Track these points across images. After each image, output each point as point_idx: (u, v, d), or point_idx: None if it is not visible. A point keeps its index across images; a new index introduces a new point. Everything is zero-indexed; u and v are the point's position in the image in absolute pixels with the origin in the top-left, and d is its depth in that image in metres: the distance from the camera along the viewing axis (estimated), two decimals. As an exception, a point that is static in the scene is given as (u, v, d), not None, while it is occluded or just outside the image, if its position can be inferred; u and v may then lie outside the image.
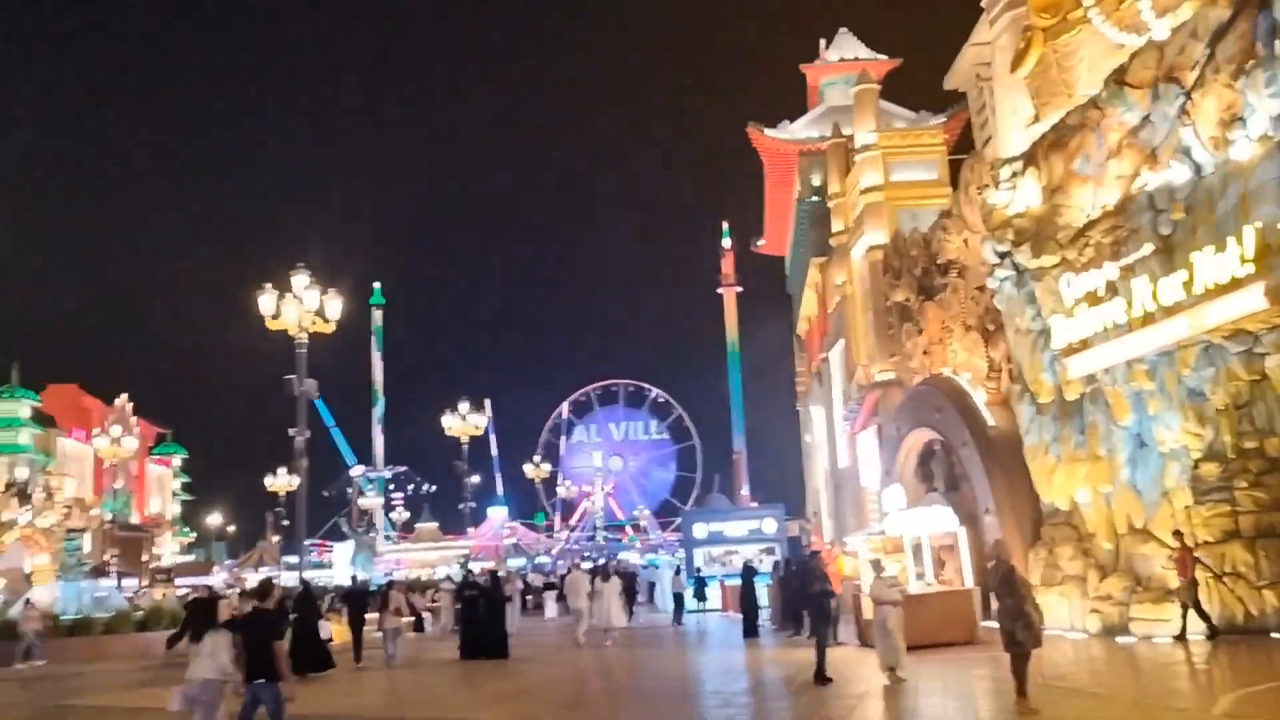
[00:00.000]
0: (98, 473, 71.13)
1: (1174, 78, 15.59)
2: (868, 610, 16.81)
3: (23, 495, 59.99)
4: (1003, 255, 19.52)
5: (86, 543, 56.47)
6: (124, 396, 73.36)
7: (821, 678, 13.58)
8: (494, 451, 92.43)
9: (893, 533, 19.37)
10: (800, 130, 44.70)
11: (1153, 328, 15.63)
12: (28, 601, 26.59)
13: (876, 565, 14.44)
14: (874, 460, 28.62)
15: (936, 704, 12.17)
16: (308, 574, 57.62)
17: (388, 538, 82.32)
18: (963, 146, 32.43)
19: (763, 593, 25.65)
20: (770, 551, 32.62)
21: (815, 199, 39.16)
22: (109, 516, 68.82)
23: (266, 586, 10.14)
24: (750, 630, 22.94)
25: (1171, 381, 15.89)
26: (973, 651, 16.23)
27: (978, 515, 20.33)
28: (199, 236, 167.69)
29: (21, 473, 60.83)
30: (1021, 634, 10.40)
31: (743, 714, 12.78)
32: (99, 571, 49.02)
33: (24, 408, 63.19)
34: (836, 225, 34.23)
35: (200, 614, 19.32)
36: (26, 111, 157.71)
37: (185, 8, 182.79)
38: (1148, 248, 15.89)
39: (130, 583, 56.48)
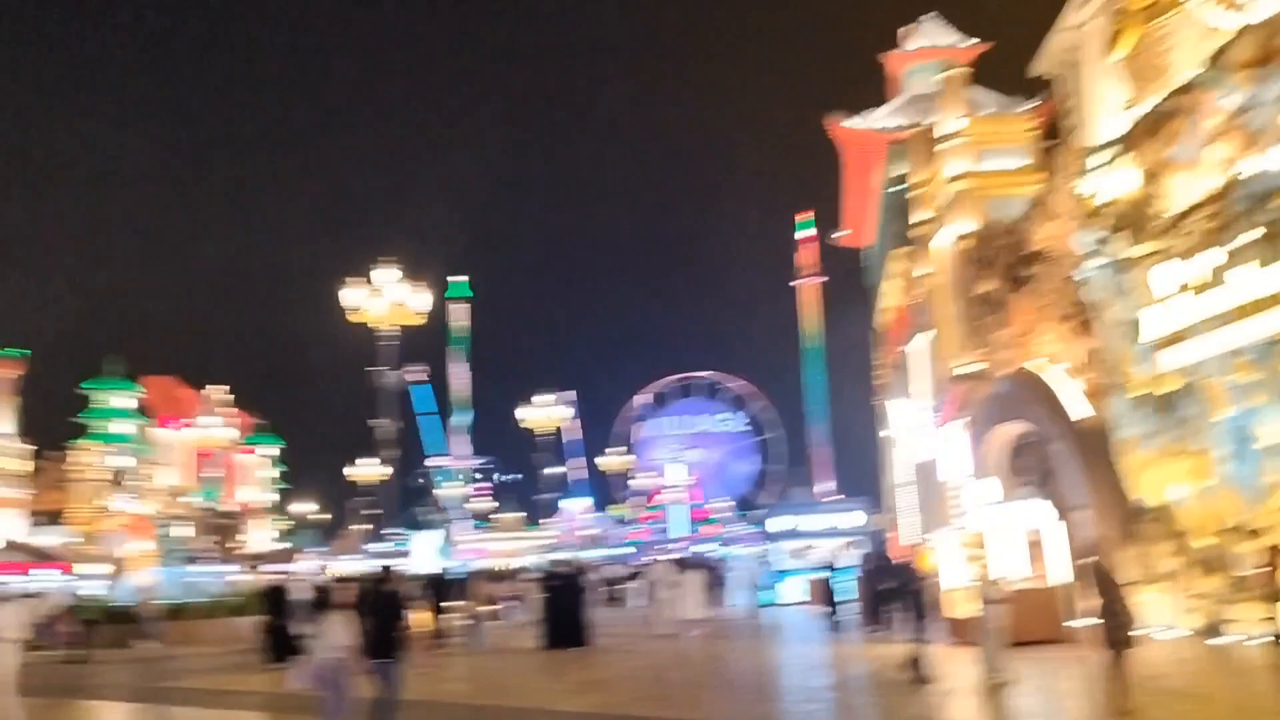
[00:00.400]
0: (194, 462, 73.34)
1: (1278, 60, 15.00)
2: (958, 608, 16.59)
3: (124, 484, 62.34)
4: (1095, 244, 19.02)
5: (184, 530, 58.40)
6: (219, 387, 75.56)
7: (920, 676, 13.41)
8: (574, 442, 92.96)
9: (979, 528, 19.03)
10: (881, 119, 44.04)
11: (1254, 318, 15.09)
12: (146, 586, 27.76)
13: (980, 562, 14.18)
14: (959, 454, 28.13)
15: (1028, 703, 11.95)
16: (389, 562, 58.81)
17: (476, 526, 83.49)
18: (1054, 133, 31.66)
19: (844, 588, 25.42)
20: (852, 546, 32.34)
21: (897, 189, 38.54)
22: (204, 504, 71.06)
23: (387, 572, 10.53)
24: (832, 625, 22.78)
25: (1273, 373, 15.33)
26: (1063, 650, 15.90)
27: (1068, 511, 19.86)
28: (295, 229, 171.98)
29: (123, 462, 63.10)
30: (1117, 632, 10.16)
31: (827, 709, 12.69)
32: (195, 558, 50.58)
33: (124, 398, 65.42)
34: (920, 215, 33.66)
35: (280, 599, 19.99)
36: (129, 110, 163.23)
37: (278, 8, 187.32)
38: (1248, 236, 15.33)
39: (224, 569, 58.29)
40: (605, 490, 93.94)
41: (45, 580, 44.87)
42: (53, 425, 63.69)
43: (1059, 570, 17.91)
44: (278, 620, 19.80)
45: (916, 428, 34.62)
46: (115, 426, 64.41)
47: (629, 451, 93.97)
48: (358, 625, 9.69)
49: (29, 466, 60.02)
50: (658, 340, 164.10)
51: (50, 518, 60.29)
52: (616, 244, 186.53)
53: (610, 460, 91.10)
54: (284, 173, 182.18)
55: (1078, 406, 20.68)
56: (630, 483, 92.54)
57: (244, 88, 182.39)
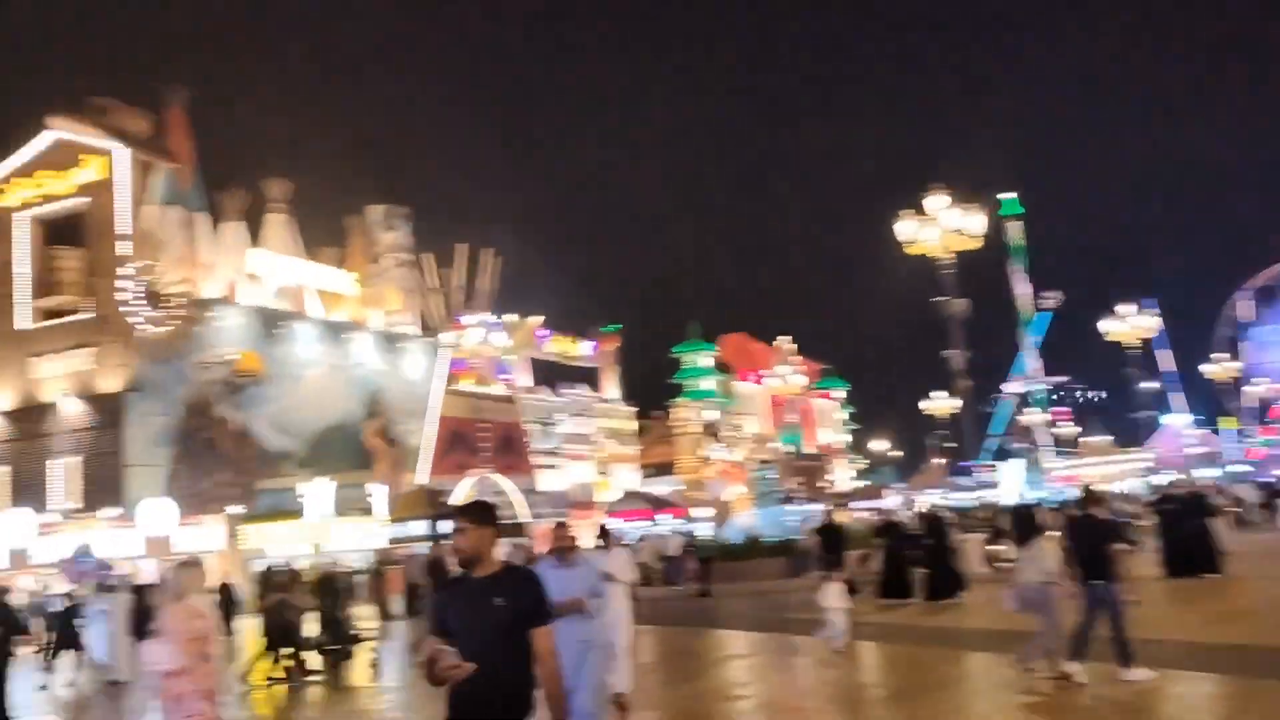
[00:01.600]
0: (771, 410, 77.99)
1: None
2: None
3: (714, 435, 68.24)
4: None
5: (772, 473, 62.43)
6: (785, 338, 79.49)
7: None
8: (1166, 351, 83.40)
9: None
10: None
11: None
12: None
13: None
14: None
15: None
16: (976, 495, 57.66)
17: (1060, 453, 79.31)
18: None
19: None
20: None
21: None
22: (787, 448, 75.35)
23: (1089, 493, 10.33)
24: None
25: None
26: None
27: None
28: (842, 175, 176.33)
29: (710, 415, 69.07)
30: None
31: None
32: (788, 498, 53.64)
33: (706, 358, 71.60)
34: None
35: (896, 533, 20.06)
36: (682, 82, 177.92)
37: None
38: None
39: (812, 508, 61.25)
40: (1211, 403, 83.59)
41: (664, 525, 50.23)
42: (651, 388, 71.25)
43: None
44: (895, 553, 20.01)
45: None
46: (702, 384, 70.53)
47: (1235, 357, 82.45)
48: (1063, 549, 9.63)
49: (634, 425, 67.81)
50: (1256, 230, 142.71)
51: (659, 469, 67.57)
52: (1186, 131, 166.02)
53: (1213, 368, 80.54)
54: (823, 126, 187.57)
55: None
56: (1242, 391, 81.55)
57: (789, 47, 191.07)
